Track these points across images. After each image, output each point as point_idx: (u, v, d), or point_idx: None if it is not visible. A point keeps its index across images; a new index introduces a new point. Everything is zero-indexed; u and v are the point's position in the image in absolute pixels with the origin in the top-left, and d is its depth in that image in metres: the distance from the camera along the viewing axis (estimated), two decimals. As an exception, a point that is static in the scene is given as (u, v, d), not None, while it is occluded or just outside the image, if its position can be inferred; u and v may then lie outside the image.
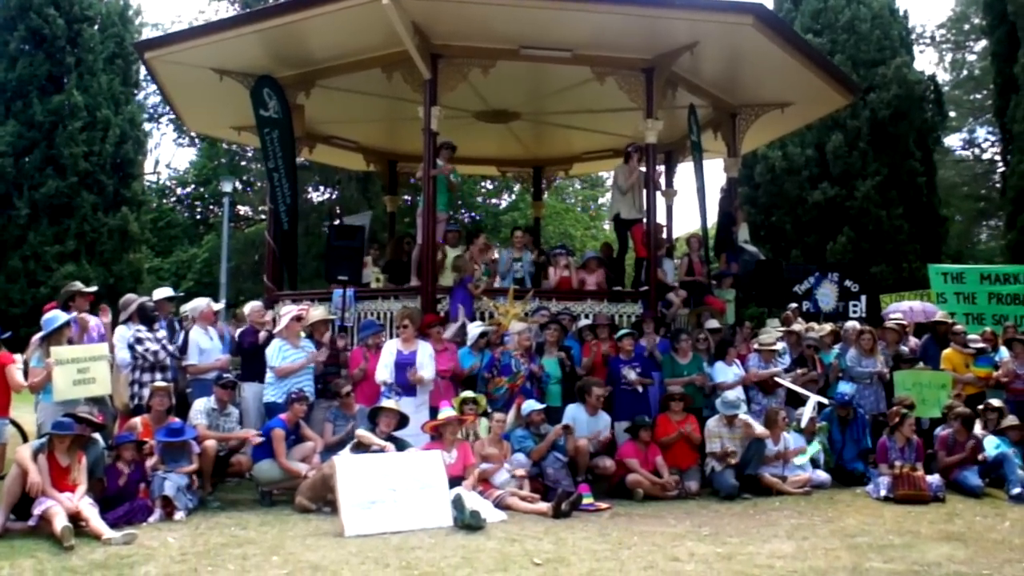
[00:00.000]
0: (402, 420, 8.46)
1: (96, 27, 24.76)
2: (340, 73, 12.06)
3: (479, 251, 11.65)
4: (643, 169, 11.98)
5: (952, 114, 33.63)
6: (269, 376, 9.24)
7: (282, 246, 12.69)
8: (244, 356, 10.01)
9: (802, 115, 14.18)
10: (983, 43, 34.45)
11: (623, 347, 10.11)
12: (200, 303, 9.81)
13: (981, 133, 37.93)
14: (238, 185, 31.09)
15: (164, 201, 35.76)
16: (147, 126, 35.53)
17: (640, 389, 10.00)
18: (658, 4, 10.37)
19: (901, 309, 13.87)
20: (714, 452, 9.46)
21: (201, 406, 8.60)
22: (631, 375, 9.91)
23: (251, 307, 10.37)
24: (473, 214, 34.16)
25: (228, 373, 9.14)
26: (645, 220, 11.90)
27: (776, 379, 10.53)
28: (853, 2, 24.85)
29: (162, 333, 9.26)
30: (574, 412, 9.55)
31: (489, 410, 9.30)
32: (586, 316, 11.26)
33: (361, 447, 8.12)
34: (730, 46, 11.38)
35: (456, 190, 12.67)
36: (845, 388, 10.33)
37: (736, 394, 9.84)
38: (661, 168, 12.95)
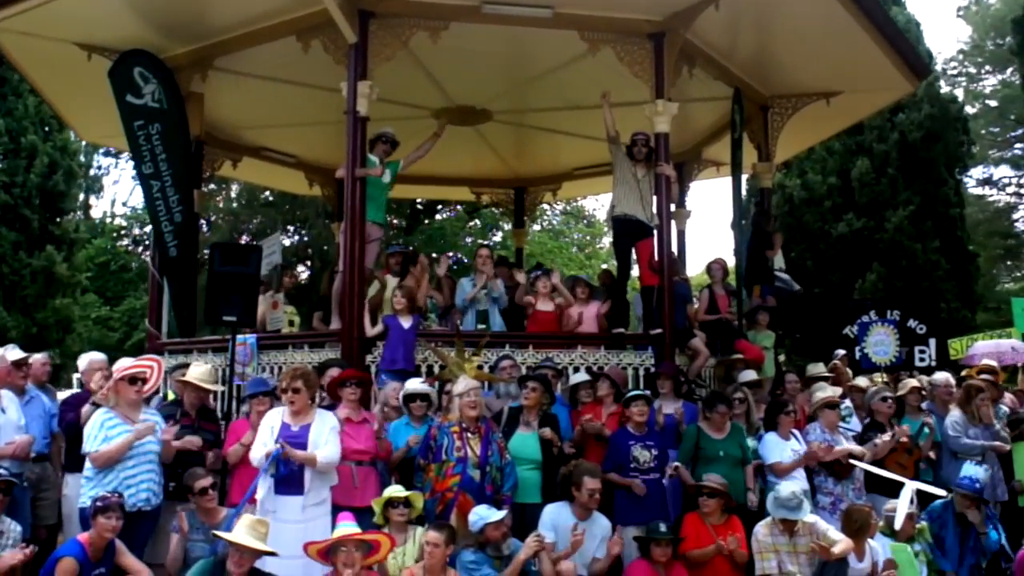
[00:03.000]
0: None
1: (24, 43, 21.82)
2: (244, 46, 9.05)
3: (418, 278, 8.49)
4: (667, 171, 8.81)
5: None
6: (87, 467, 6.05)
7: (172, 279, 9.54)
8: (68, 434, 6.84)
9: (851, 110, 11.10)
10: (1000, 76, 32.53)
11: (632, 417, 6.93)
12: (-14, 358, 6.58)
13: (1002, 169, 35.40)
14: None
15: (120, 244, 32.65)
16: (105, 161, 32.69)
17: (666, 480, 6.83)
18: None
19: (986, 352, 10.73)
20: (764, 573, 6.27)
21: (-50, 521, 5.41)
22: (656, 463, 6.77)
23: (87, 361, 7.20)
24: (458, 255, 31.11)
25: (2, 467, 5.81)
26: (656, 233, 8.68)
27: (853, 458, 7.35)
28: (876, 15, 22.25)
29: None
30: (555, 516, 6.36)
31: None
32: (576, 369, 8.11)
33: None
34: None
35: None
36: (974, 471, 7.05)
37: (795, 487, 6.56)
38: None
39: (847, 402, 8.58)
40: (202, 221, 27.83)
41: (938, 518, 6.96)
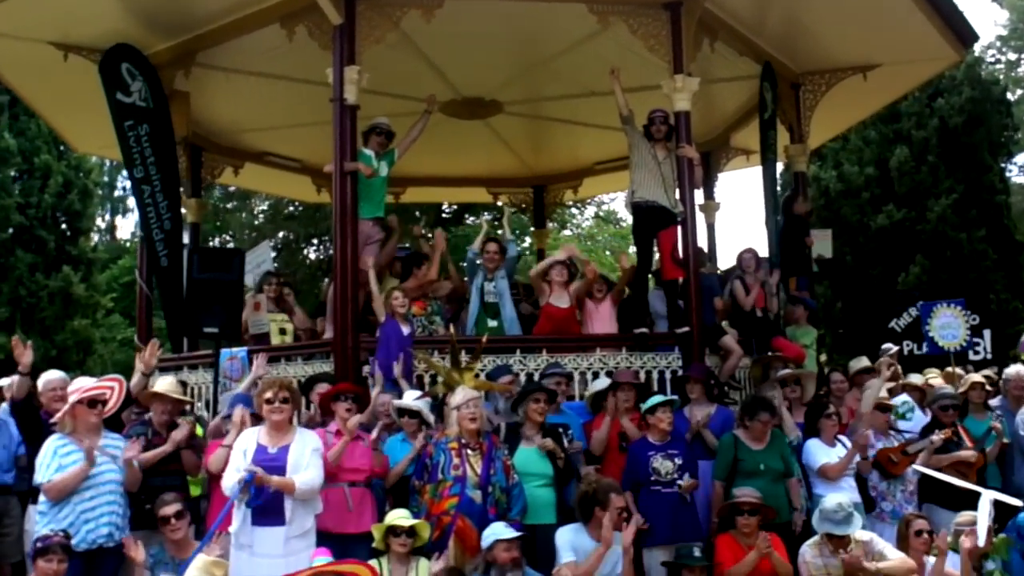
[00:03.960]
0: None
1: (31, 63, 21.49)
2: (227, 38, 8.43)
3: (420, 283, 7.79)
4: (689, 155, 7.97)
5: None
6: (41, 500, 5.41)
7: (163, 290, 8.91)
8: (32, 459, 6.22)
9: (891, 84, 10.20)
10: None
11: (657, 425, 6.15)
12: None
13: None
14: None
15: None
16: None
17: (688, 497, 6.05)
18: None
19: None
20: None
21: None
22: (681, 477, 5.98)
23: (46, 380, 6.57)
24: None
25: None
26: (681, 221, 7.83)
27: (908, 450, 6.55)
28: (911, -7, 21.36)
29: None
30: (572, 539, 5.58)
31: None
32: (595, 375, 7.35)
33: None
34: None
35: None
36: None
37: (842, 499, 5.74)
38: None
39: (905, 396, 7.78)
40: (226, 236, 27.69)
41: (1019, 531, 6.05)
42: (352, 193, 7.43)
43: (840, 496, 5.81)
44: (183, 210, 11.56)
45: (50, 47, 8.69)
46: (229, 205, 27.37)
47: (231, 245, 27.47)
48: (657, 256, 8.10)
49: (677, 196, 7.77)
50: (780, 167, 10.85)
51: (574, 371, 7.42)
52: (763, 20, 8.80)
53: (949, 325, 8.85)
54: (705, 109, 10.85)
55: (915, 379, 8.18)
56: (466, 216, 27.76)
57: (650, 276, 8.41)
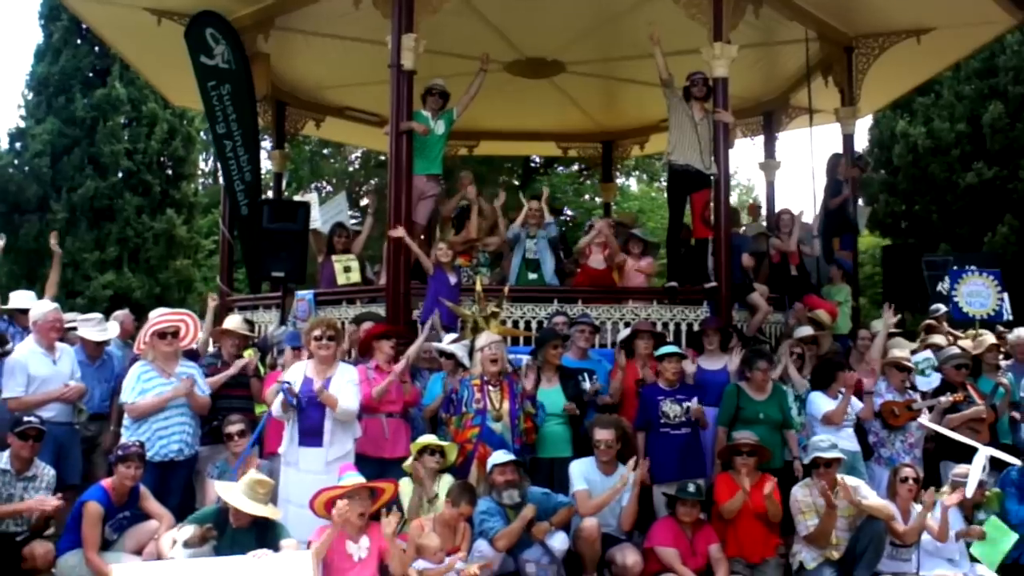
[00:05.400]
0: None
1: (143, 12, 22.68)
2: (302, 4, 9.11)
3: (463, 239, 8.43)
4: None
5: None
6: (125, 418, 6.30)
7: (244, 236, 9.77)
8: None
9: (945, 48, 10.24)
10: None
11: (664, 372, 6.70)
12: (42, 308, 6.84)
13: None
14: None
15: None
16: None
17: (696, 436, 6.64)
18: None
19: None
20: (809, 533, 5.98)
21: (-16, 467, 5.71)
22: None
23: (121, 314, 7.51)
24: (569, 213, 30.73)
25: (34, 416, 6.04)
26: (714, 183, 8.21)
27: (912, 406, 6.95)
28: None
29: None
30: (584, 471, 6.24)
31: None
32: (626, 324, 7.90)
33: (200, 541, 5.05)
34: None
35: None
36: None
37: (832, 438, 6.33)
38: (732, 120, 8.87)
39: (928, 353, 8.11)
40: (321, 183, 28.74)
41: (1012, 485, 6.44)
42: (408, 151, 8.05)
43: (831, 436, 6.35)
44: (269, 161, 12.57)
45: (145, 12, 9.56)
46: (325, 151, 28.27)
47: (328, 191, 28.57)
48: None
49: (712, 157, 8.16)
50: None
51: (607, 321, 8.00)
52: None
53: (978, 293, 9.04)
54: (767, 69, 11.09)
55: (938, 339, 8.44)
56: (556, 166, 28.14)
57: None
